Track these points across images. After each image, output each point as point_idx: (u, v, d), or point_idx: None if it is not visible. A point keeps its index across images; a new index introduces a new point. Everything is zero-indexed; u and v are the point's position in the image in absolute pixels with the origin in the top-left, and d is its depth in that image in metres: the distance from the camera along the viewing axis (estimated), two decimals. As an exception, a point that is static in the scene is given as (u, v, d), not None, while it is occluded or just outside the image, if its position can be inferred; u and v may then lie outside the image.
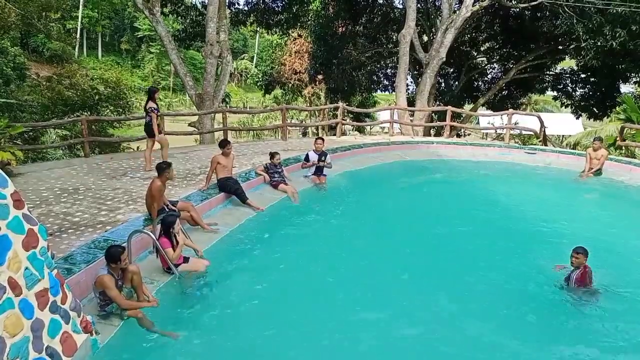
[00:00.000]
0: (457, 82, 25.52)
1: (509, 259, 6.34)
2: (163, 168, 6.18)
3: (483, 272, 5.92)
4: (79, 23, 58.18)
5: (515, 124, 16.60)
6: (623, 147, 14.56)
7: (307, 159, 10.01)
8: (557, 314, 5.01)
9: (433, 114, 21.79)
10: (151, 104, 9.12)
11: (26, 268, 3.19)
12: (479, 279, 5.74)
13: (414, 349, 4.38)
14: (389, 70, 27.40)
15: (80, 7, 57.52)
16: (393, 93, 25.16)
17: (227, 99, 46.74)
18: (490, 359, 4.25)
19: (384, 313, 4.90)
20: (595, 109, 22.80)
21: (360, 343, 4.40)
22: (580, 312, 5.03)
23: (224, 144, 8.18)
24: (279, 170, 9.20)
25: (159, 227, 5.68)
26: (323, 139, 10.28)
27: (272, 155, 9.18)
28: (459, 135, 24.69)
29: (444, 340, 4.47)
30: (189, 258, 5.64)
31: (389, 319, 4.80)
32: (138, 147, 17.52)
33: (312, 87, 33.72)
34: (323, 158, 9.92)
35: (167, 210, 6.29)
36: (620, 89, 22.16)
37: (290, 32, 28.17)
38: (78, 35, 57.89)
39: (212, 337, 4.43)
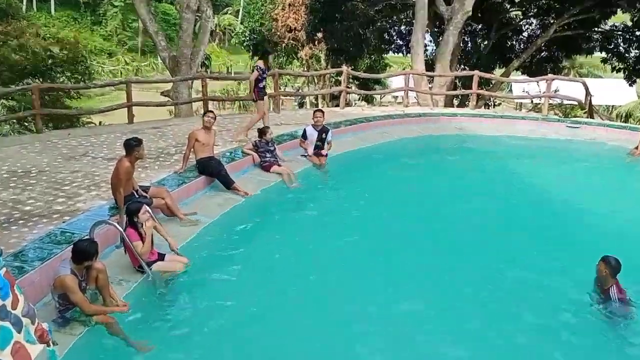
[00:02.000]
0: (486, 42, 25.30)
1: (544, 257, 6.35)
2: (132, 145, 6.14)
3: (510, 270, 5.98)
4: (27, -30, 57.50)
5: (555, 91, 16.49)
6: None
7: (304, 135, 9.99)
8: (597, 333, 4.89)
9: (456, 81, 21.63)
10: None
11: (-32, 267, 3.19)
12: (504, 279, 5.80)
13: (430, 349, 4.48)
14: (403, 28, 27.19)
15: (28, -50, 56.78)
16: (408, 55, 25.00)
17: (207, 63, 46.45)
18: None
19: (393, 326, 4.92)
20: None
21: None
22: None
23: (204, 114, 8.17)
24: (271, 148, 9.19)
25: (126, 217, 5.69)
26: (323, 112, 10.26)
27: (262, 131, 9.16)
28: (487, 106, 24.61)
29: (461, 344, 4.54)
30: (164, 255, 5.66)
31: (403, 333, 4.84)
32: (101, 122, 17.47)
33: (310, 48, 33.38)
34: (324, 135, 9.90)
35: (136, 196, 6.29)
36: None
37: (283, -21, 27.87)
38: (26, -15, 57.21)
39: (190, 349, 4.46)
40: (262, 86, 10.25)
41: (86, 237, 4.97)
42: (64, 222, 5.91)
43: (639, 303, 4.98)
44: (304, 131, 10.06)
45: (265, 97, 10.44)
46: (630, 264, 5.08)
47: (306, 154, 9.96)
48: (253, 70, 10.33)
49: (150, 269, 5.41)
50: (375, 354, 4.44)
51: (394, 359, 4.43)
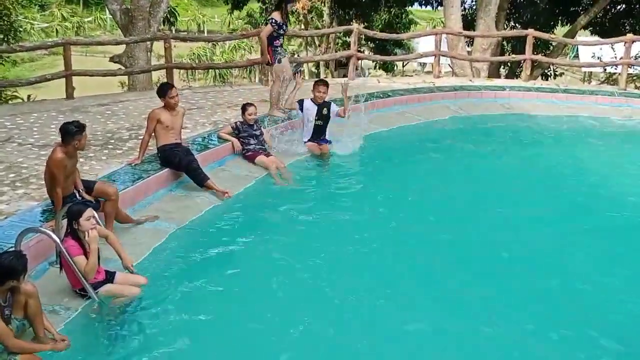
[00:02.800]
0: (543, -9, 25.31)
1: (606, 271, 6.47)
2: (71, 131, 6.13)
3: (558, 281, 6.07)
4: None
5: (637, 58, 16.49)
6: None
7: (301, 108, 10.03)
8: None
9: (504, 43, 21.62)
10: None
11: None
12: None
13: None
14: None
15: None
16: (440, 9, 24.95)
17: (172, 19, 46.43)
18: None
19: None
20: None
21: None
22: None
23: (165, 90, 8.12)
24: (256, 132, 9.22)
25: (64, 222, 5.69)
26: (327, 83, 10.24)
27: (245, 107, 9.17)
28: (546, 77, 24.59)
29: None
30: (114, 273, 5.66)
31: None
32: (30, 97, 17.46)
33: (309, -1, 33.49)
34: (325, 111, 9.92)
35: (78, 197, 6.30)
36: None
37: None
38: None
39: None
40: (278, 45, 10.62)
41: (11, 250, 4.97)
42: (-19, 229, 5.93)
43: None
44: (301, 103, 10.12)
45: (285, 59, 10.77)
46: None
47: (304, 139, 9.98)
48: (267, 24, 10.74)
49: (97, 293, 5.41)
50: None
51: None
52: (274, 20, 10.44)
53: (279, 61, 10.58)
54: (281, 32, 10.59)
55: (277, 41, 10.62)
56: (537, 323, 5.46)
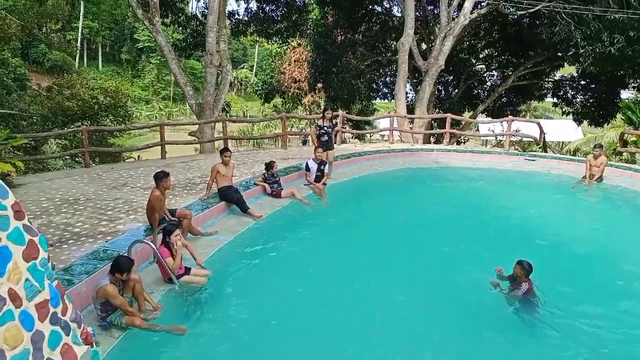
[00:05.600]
0: (456, 90, 25.58)
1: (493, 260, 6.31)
2: (160, 177, 6.19)
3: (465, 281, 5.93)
4: (79, 33, 58.57)
5: (517, 131, 16.59)
6: (624, 153, 14.56)
7: (307, 168, 10.00)
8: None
9: (433, 122, 21.83)
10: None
11: (26, 279, 3.18)
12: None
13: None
14: (388, 79, 27.48)
15: (81, 17, 57.93)
16: (393, 101, 25.19)
17: (227, 108, 46.78)
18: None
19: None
20: (595, 116, 22.84)
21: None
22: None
23: (222, 151, 8.21)
24: (277, 179, 9.21)
25: (160, 236, 5.67)
26: (323, 148, 10.28)
27: (269, 165, 9.17)
28: (459, 143, 24.72)
29: None
30: (190, 269, 5.63)
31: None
32: (139, 157, 17.55)
33: (312, 96, 33.81)
34: (322, 166, 9.93)
35: (167, 220, 6.29)
36: (620, 95, 22.21)
37: (289, 41, 28.30)
38: (78, 46, 58.22)
39: (214, 347, 4.41)
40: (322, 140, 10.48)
41: (124, 254, 4.97)
42: (106, 241, 5.90)
43: (544, 295, 5.22)
44: (306, 165, 10.06)
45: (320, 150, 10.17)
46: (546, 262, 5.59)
47: (308, 183, 9.95)
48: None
49: (179, 281, 5.37)
50: None
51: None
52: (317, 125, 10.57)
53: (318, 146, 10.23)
54: (322, 132, 10.43)
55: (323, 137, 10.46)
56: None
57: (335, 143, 11.03)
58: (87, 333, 3.73)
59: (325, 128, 10.53)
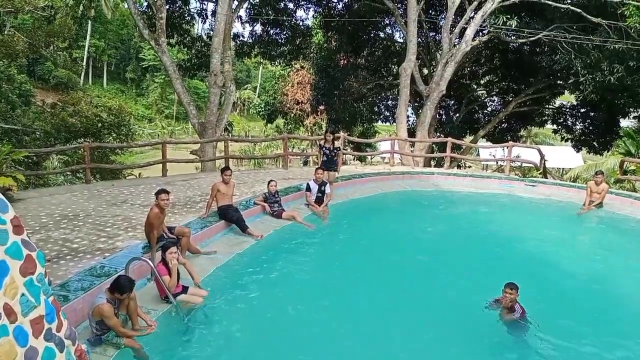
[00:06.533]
0: (457, 114, 25.79)
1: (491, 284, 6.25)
2: (157, 192, 6.24)
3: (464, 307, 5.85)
4: (86, 52, 59.42)
5: (517, 156, 16.63)
6: (624, 181, 14.57)
7: (308, 189, 10.00)
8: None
9: (433, 145, 21.92)
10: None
11: (22, 294, 3.15)
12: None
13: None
14: (389, 102, 27.73)
15: (88, 36, 58.84)
16: (394, 124, 25.36)
17: (229, 128, 47.14)
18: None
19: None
20: (595, 144, 22.98)
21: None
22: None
23: (223, 170, 8.23)
24: (277, 199, 9.20)
25: (158, 254, 5.64)
26: (323, 169, 10.28)
27: (270, 182, 9.19)
28: (459, 167, 24.79)
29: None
30: (187, 288, 5.57)
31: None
32: (140, 174, 17.58)
33: (314, 117, 34.13)
34: (323, 187, 9.93)
35: (165, 237, 6.26)
36: (620, 124, 22.37)
37: (292, 63, 28.67)
38: (84, 64, 58.99)
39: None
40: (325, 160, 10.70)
41: (127, 275, 4.92)
42: (104, 258, 5.86)
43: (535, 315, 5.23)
44: (307, 185, 10.06)
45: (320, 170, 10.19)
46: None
47: (308, 204, 9.93)
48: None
49: (175, 300, 5.32)
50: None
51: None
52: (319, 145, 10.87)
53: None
54: (323, 152, 10.71)
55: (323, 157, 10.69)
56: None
57: (338, 167, 11.05)
58: (81, 350, 3.68)
59: (325, 149, 10.62)
